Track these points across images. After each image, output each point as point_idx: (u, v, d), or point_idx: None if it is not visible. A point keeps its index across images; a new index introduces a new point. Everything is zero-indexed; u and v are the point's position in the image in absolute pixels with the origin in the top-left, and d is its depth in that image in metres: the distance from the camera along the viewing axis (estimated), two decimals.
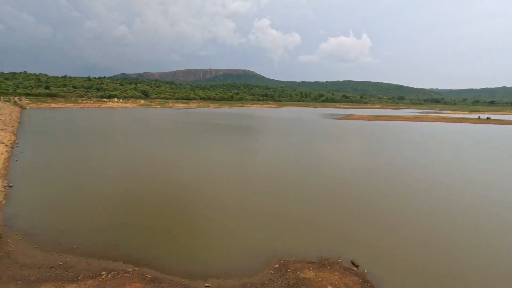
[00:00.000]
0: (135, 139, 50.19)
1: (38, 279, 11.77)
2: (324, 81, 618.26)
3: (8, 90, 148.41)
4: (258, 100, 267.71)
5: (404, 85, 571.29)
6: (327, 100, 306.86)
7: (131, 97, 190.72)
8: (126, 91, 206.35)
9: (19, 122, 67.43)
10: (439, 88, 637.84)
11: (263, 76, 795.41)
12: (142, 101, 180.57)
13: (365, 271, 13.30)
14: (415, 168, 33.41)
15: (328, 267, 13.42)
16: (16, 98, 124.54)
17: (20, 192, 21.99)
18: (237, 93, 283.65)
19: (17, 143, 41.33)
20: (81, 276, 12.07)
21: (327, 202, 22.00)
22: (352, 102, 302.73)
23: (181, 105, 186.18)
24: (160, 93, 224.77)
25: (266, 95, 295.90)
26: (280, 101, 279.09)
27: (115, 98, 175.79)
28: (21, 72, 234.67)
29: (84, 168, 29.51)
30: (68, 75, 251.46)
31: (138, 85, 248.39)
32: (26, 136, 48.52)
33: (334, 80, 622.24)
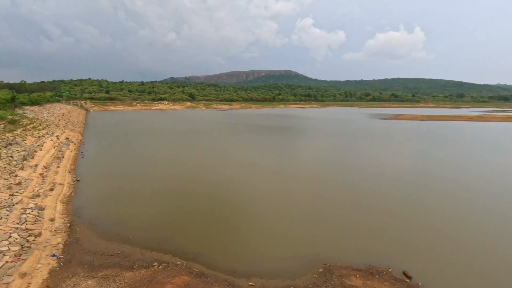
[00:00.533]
0: (183, 139, 53.01)
1: (100, 265, 13.06)
2: (371, 79, 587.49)
3: (76, 95, 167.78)
4: (301, 101, 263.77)
5: (464, 81, 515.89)
6: (373, 99, 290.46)
7: (179, 99, 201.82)
8: (174, 94, 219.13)
9: (84, 123, 75.75)
10: (508, 83, 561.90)
11: (305, 76, 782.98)
12: (189, 103, 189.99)
13: (419, 284, 12.27)
14: (480, 171, 29.94)
15: (377, 276, 12.67)
16: (82, 102, 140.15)
17: (86, 186, 24.65)
18: (279, 94, 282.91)
19: (83, 142, 46.44)
20: (136, 265, 13.09)
21: (376, 205, 20.78)
22: (402, 101, 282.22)
23: (225, 107, 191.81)
24: (205, 95, 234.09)
25: (308, 95, 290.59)
26: (323, 101, 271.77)
27: (165, 101, 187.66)
28: (86, 79, 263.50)
29: (140, 166, 32.01)
30: (125, 80, 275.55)
31: (185, 88, 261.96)
32: (90, 136, 54.28)
33: (381, 78, 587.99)
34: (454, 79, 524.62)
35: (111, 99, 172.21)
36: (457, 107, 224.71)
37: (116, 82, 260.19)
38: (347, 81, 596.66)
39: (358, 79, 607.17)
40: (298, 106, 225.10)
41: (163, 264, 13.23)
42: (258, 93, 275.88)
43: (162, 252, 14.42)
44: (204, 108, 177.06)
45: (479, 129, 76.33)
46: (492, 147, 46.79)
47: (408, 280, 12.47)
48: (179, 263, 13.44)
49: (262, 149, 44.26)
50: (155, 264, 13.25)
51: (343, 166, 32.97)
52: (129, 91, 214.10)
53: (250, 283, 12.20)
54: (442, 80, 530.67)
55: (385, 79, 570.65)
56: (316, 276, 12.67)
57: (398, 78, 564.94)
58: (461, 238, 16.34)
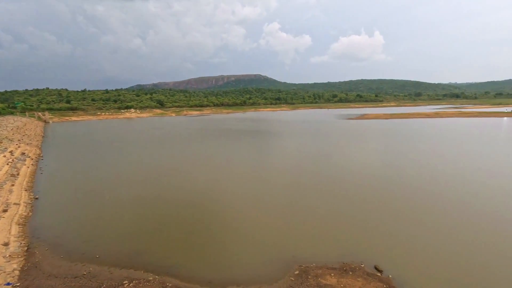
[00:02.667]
0: (151, 147, 51.22)
1: None
2: (337, 81, 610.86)
3: (32, 106, 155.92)
4: (271, 104, 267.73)
5: (421, 80, 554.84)
6: (340, 100, 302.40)
7: (147, 107, 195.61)
8: (142, 101, 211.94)
9: (43, 136, 70.44)
10: (458, 82, 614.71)
11: (275, 80, 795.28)
12: (158, 111, 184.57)
13: (390, 276, 12.81)
14: (442, 167, 32.18)
15: (351, 272, 13.03)
16: (39, 113, 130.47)
17: (46, 204, 22.83)
18: (250, 98, 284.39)
19: (42, 156, 43.12)
20: (104, 286, 12.29)
21: (346, 203, 21.49)
22: (366, 101, 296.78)
23: (195, 113, 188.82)
24: (175, 102, 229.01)
25: (278, 99, 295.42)
26: (293, 103, 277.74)
27: (132, 109, 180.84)
28: (44, 89, 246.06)
29: (105, 179, 30.33)
30: (88, 89, 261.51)
31: (154, 95, 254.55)
32: (50, 149, 50.56)
33: (347, 80, 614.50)
34: (412, 79, 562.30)
35: (73, 109, 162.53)
36: (415, 105, 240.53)
37: (78, 91, 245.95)
38: (315, 84, 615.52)
39: (325, 81, 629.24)
40: (269, 109, 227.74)
41: (134, 281, 12.55)
42: (229, 98, 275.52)
43: (133, 268, 13.70)
44: (173, 115, 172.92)
45: (435, 125, 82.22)
46: (448, 142, 50.60)
47: (379, 274, 12.97)
48: (151, 278, 12.84)
49: (233, 153, 44.03)
50: (125, 282, 12.54)
51: (312, 168, 33.75)
52: (93, 100, 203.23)
53: None
54: (401, 80, 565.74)
55: (350, 81, 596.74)
56: (293, 279, 12.74)
57: (362, 80, 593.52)
58: (427, 229, 17.36)
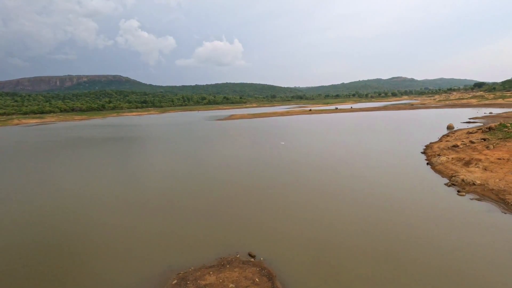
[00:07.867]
0: None
1: None
2: (205, 84, 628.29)
3: None
4: (137, 108, 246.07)
5: (275, 85, 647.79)
6: (209, 102, 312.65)
7: None
8: None
9: None
10: (301, 86, 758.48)
11: (139, 82, 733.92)
12: None
13: (262, 259, 14.03)
14: (305, 159, 38.21)
15: (228, 265, 13.43)
16: None
17: None
18: (110, 102, 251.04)
19: None
20: None
21: (214, 201, 22.20)
22: (232, 103, 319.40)
23: (33, 121, 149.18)
24: None
25: (145, 102, 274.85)
26: (161, 107, 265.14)
27: None
28: None
29: None
30: None
31: None
32: None
33: (213, 83, 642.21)
34: (268, 83, 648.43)
35: None
36: (272, 106, 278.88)
37: None
38: (184, 86, 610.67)
39: (193, 84, 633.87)
40: (134, 114, 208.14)
41: None
42: (82, 102, 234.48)
43: None
44: None
45: (287, 121, 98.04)
46: (300, 136, 61.21)
47: (253, 259, 13.99)
48: None
49: (84, 167, 37.54)
50: None
51: (178, 174, 33.27)
52: None
53: None
54: (260, 84, 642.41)
55: (217, 84, 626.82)
56: None
57: (227, 83, 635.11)
58: (289, 214, 20.15)
